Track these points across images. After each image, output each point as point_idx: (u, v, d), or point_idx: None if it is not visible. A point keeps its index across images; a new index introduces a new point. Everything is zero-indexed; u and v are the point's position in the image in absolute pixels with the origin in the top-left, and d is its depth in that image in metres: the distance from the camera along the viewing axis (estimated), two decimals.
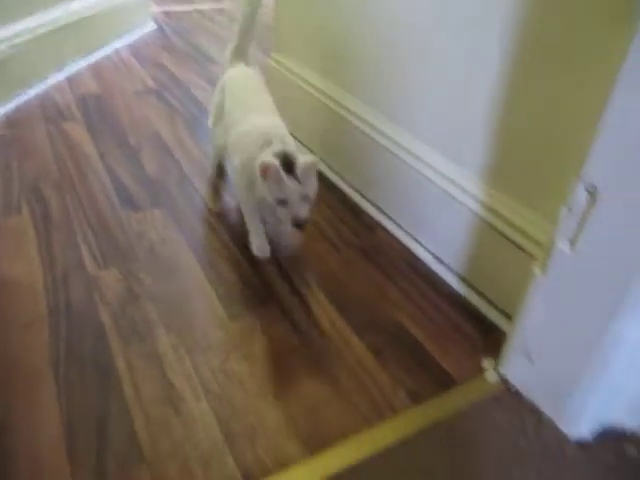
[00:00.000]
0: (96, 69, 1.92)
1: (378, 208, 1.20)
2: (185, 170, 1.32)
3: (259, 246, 1.01)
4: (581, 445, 0.74)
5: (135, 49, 2.15)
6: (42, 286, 0.96)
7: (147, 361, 0.83)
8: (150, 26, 2.43)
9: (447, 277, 1.03)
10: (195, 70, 1.97)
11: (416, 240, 1.11)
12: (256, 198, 0.96)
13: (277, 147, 0.92)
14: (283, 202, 0.89)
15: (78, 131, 1.48)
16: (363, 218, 1.20)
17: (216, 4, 2.93)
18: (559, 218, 0.66)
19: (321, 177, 1.33)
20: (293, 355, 0.86)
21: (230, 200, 1.22)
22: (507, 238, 0.88)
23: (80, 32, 1.94)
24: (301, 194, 0.89)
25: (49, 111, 1.58)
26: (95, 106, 1.63)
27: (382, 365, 0.84)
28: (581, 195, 0.63)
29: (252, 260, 1.04)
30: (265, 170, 0.88)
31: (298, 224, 0.90)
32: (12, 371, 0.80)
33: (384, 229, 1.16)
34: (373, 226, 1.17)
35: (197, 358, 0.84)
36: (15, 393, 0.77)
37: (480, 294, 0.97)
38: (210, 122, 1.26)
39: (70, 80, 1.81)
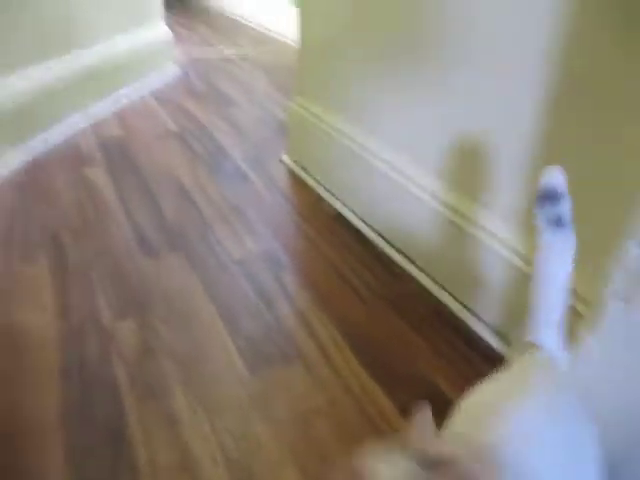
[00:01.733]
0: (119, 112, 1.93)
1: (404, 255, 1.15)
2: (205, 215, 1.30)
3: None
4: None
5: (158, 92, 2.17)
6: (56, 337, 0.92)
7: (162, 423, 0.78)
8: (174, 70, 2.47)
9: (480, 330, 0.97)
10: (217, 113, 1.97)
11: (445, 289, 1.06)
12: None
13: None
14: None
15: (99, 176, 1.47)
16: (388, 265, 1.15)
17: (239, 50, 2.97)
18: (611, 277, 0.61)
19: (345, 222, 1.29)
20: (317, 416, 0.80)
21: (251, 245, 1.18)
22: None
23: (104, 76, 1.96)
24: None
25: (71, 155, 1.58)
26: (117, 150, 1.63)
27: None
28: (635, 252, 0.58)
29: (275, 312, 1.00)
30: None
31: None
32: (21, 428, 0.75)
33: (411, 277, 1.11)
34: (399, 273, 1.12)
35: (215, 419, 0.78)
36: (23, 452, 0.72)
37: None
38: None
39: (93, 123, 1.82)
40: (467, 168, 0.97)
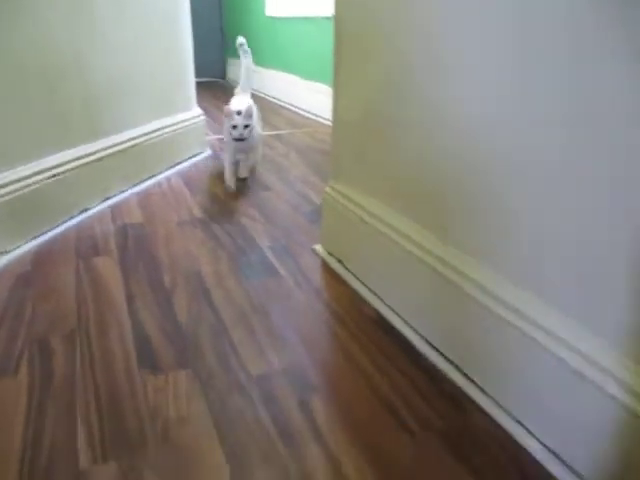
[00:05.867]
0: (143, 196, 1.81)
1: (465, 375, 0.92)
2: (223, 318, 1.10)
3: (228, 182, 1.89)
4: None
5: (186, 176, 2.05)
6: (14, 477, 0.71)
7: None
8: (205, 153, 2.37)
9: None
10: (247, 197, 1.82)
11: (523, 426, 0.81)
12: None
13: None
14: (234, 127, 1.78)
15: (109, 268, 1.30)
16: (445, 387, 0.91)
17: (274, 131, 2.90)
18: None
19: (388, 328, 1.07)
20: None
21: (274, 358, 0.97)
22: None
23: (130, 162, 1.86)
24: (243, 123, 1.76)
25: (83, 243, 1.44)
26: (134, 238, 1.48)
27: None
28: None
29: (298, 456, 0.76)
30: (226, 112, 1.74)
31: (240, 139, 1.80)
32: None
33: (476, 406, 0.86)
34: (460, 401, 0.88)
35: None
36: None
37: None
38: None
39: (114, 208, 1.70)
40: (553, 272, 0.75)
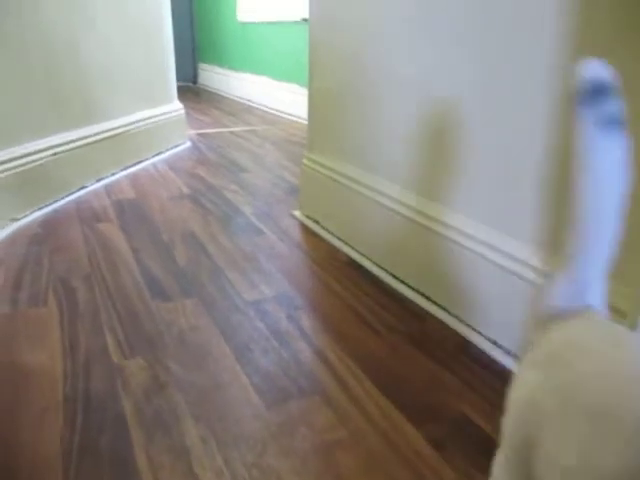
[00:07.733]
0: (133, 178, 1.98)
1: (422, 294, 1.12)
2: (217, 262, 1.28)
3: None
4: None
5: (171, 162, 2.23)
6: (61, 373, 0.87)
7: (172, 455, 0.72)
8: (186, 144, 2.55)
9: (507, 362, 0.92)
10: (228, 177, 2.01)
11: (468, 325, 1.02)
12: None
13: None
14: None
15: (112, 230, 1.47)
16: (406, 304, 1.11)
17: (248, 127, 3.09)
18: None
19: (359, 267, 1.27)
20: (340, 449, 0.73)
21: (265, 289, 1.16)
22: None
23: (119, 147, 2.02)
24: None
25: (85, 213, 1.60)
26: (130, 209, 1.64)
27: (446, 459, 0.71)
28: None
29: (290, 349, 0.95)
30: None
31: None
32: (18, 459, 0.70)
33: (430, 315, 1.07)
34: (418, 312, 1.08)
35: (229, 452, 0.72)
36: None
37: None
38: None
39: (107, 187, 1.86)
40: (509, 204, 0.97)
